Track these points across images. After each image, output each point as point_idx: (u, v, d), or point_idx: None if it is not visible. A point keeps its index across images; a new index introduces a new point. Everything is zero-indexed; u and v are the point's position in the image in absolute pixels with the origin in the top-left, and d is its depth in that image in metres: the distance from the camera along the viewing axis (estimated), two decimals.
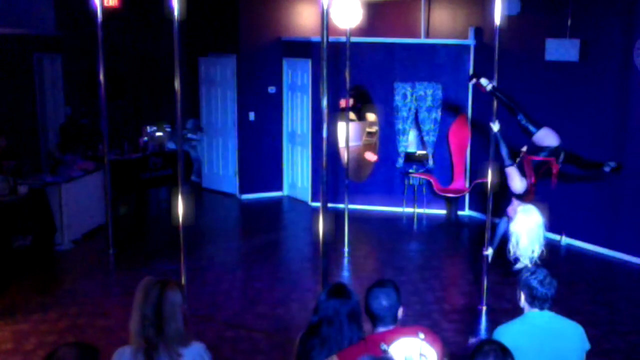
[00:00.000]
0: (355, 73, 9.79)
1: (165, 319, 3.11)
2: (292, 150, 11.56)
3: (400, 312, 3.30)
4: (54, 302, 6.98)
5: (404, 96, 10.47)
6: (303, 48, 10.97)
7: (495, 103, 6.66)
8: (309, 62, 10.86)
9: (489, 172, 6.71)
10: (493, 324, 6.31)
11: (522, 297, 3.65)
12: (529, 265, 6.28)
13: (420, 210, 10.52)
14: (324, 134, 5.20)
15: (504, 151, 6.68)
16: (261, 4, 11.22)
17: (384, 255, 8.94)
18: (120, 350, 3.16)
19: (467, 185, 10.43)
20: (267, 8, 11.26)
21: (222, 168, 11.98)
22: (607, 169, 6.98)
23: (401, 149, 10.62)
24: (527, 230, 6.31)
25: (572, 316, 3.78)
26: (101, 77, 8.22)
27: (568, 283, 7.48)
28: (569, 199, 9.09)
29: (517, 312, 3.76)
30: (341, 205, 8.98)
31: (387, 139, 10.84)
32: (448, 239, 9.79)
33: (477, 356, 2.89)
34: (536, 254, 6.33)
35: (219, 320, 6.59)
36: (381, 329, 3.25)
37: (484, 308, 6.80)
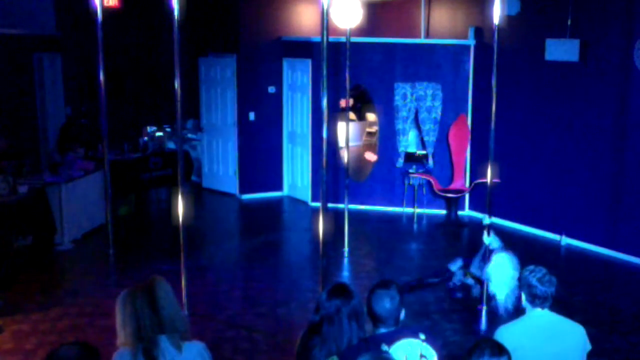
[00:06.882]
0: (355, 73, 9.79)
1: (161, 306, 3.12)
2: (292, 150, 11.56)
3: (402, 314, 3.30)
4: (54, 302, 6.97)
5: (404, 96, 10.47)
6: (303, 48, 10.97)
7: (494, 106, 6.60)
8: (309, 62, 10.85)
9: (489, 172, 6.70)
10: (493, 324, 6.31)
11: (523, 297, 3.64)
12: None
13: (420, 210, 10.52)
14: (324, 134, 5.20)
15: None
16: (261, 3, 11.22)
17: (384, 255, 8.94)
18: (117, 355, 3.14)
19: (467, 185, 10.44)
20: (267, 8, 11.25)
21: (222, 168, 11.97)
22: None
23: (401, 149, 10.63)
24: (498, 279, 6.23)
25: (572, 316, 3.78)
26: (101, 77, 8.23)
27: (568, 283, 7.47)
28: (569, 199, 9.09)
29: (517, 312, 3.76)
30: (341, 205, 8.98)
31: (387, 139, 10.84)
32: (448, 239, 9.78)
33: (473, 354, 2.88)
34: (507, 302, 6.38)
35: (219, 320, 6.59)
36: (383, 330, 3.25)
37: (484, 308, 6.79)
